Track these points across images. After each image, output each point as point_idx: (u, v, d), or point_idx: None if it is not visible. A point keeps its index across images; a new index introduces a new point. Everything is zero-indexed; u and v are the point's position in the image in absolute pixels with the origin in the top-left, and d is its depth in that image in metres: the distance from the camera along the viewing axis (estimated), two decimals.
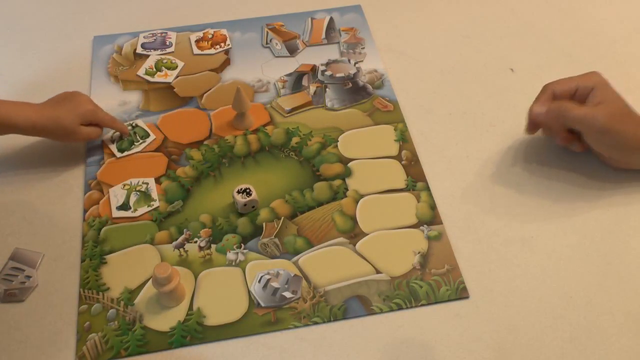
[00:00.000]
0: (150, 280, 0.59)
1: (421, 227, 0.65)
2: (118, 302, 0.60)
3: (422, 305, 0.60)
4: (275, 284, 0.61)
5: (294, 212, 0.67)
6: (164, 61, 0.83)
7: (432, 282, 0.61)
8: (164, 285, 0.58)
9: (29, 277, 0.62)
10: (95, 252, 0.64)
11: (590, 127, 0.63)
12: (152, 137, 0.74)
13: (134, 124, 0.75)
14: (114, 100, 0.78)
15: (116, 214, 0.67)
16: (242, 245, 0.65)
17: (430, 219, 0.66)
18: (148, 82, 0.80)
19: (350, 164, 0.71)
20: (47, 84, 0.80)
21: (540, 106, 0.66)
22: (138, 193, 0.69)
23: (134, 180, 0.70)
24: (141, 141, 0.74)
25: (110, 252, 0.64)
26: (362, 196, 0.68)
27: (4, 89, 0.80)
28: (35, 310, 0.60)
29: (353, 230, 0.66)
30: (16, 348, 0.58)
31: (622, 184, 0.68)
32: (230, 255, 0.64)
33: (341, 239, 0.65)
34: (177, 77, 0.81)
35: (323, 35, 0.86)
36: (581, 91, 0.65)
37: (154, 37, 0.86)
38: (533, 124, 0.68)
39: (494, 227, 0.65)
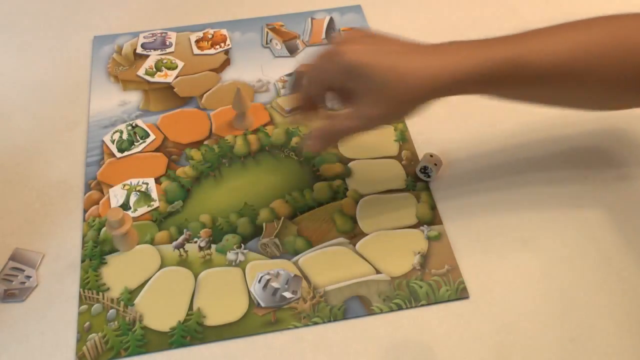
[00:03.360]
0: (121, 243, 0.64)
1: (421, 227, 0.65)
2: (118, 302, 0.60)
3: (422, 305, 0.60)
4: (275, 284, 0.61)
5: (294, 212, 0.67)
6: (164, 61, 0.83)
7: (432, 282, 0.61)
8: (116, 228, 0.61)
9: (29, 277, 0.62)
10: (95, 252, 0.64)
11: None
12: (152, 137, 0.74)
13: (134, 124, 0.75)
14: (114, 100, 0.78)
15: None
16: (242, 245, 0.65)
17: (430, 219, 0.66)
18: (148, 82, 0.80)
19: (350, 164, 0.71)
20: (47, 84, 0.80)
21: (313, 141, 0.60)
22: (138, 193, 0.69)
23: (134, 181, 0.70)
24: (141, 141, 0.74)
25: (110, 252, 0.64)
26: (362, 196, 0.68)
27: (4, 88, 0.80)
28: (35, 310, 0.60)
29: (353, 230, 0.66)
30: (16, 348, 0.58)
31: (623, 183, 0.68)
32: (230, 256, 0.64)
33: (341, 239, 0.65)
34: (177, 77, 0.81)
35: (323, 35, 0.86)
36: (333, 85, 0.59)
37: (154, 37, 0.86)
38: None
39: (494, 227, 0.65)
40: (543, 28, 0.58)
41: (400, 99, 0.55)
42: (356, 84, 0.55)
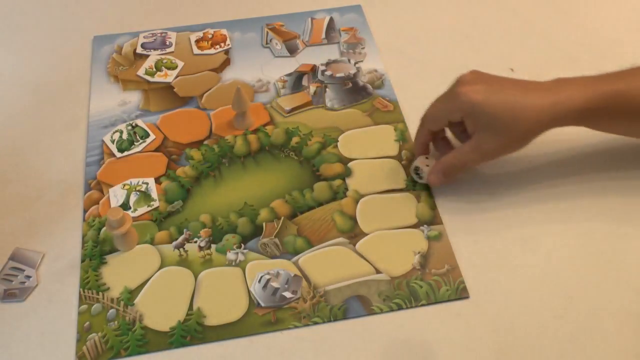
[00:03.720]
0: (118, 237, 0.64)
1: (421, 227, 0.65)
2: (118, 302, 0.60)
3: (422, 305, 0.60)
4: (275, 284, 0.61)
5: (294, 212, 0.67)
6: (164, 61, 0.83)
7: (432, 282, 0.61)
8: (116, 228, 0.61)
9: (29, 277, 0.62)
10: (95, 252, 0.64)
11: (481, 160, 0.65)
12: (152, 137, 0.74)
13: (134, 124, 0.75)
14: (114, 100, 0.78)
15: None
16: (242, 245, 0.65)
17: (430, 219, 0.66)
18: (148, 82, 0.80)
19: (350, 164, 0.71)
20: (47, 84, 0.80)
21: (433, 175, 0.66)
22: (138, 193, 0.69)
23: (134, 180, 0.70)
24: (141, 141, 0.74)
25: (110, 252, 0.64)
26: (362, 196, 0.68)
27: (4, 88, 0.80)
28: (35, 310, 0.60)
29: (353, 230, 0.66)
30: (16, 348, 0.58)
31: (624, 183, 0.68)
32: (230, 255, 0.64)
33: (341, 239, 0.65)
34: (177, 77, 0.81)
35: (323, 35, 0.86)
36: (455, 121, 0.64)
37: (154, 37, 0.86)
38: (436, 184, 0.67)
39: (494, 227, 0.65)
40: None
41: (518, 133, 0.62)
42: (476, 121, 0.62)
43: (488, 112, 0.60)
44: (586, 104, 0.60)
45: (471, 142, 0.63)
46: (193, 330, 0.59)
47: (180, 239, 0.65)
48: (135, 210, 0.67)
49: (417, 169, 0.68)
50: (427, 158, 0.68)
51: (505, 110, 0.60)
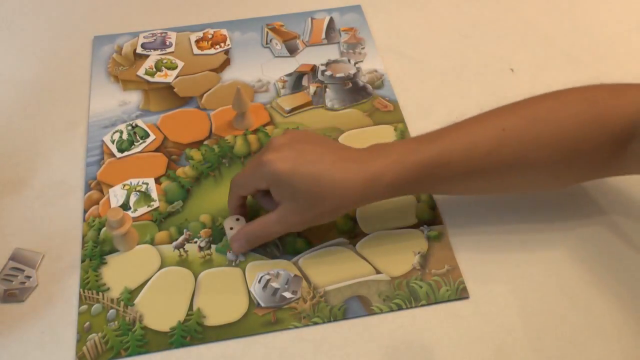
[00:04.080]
0: (118, 238, 0.63)
1: (421, 227, 0.65)
2: (118, 302, 0.60)
3: (422, 305, 0.60)
4: (275, 284, 0.61)
5: None
6: (164, 61, 0.83)
7: (432, 282, 0.61)
8: (116, 228, 0.61)
9: (29, 277, 0.62)
10: (95, 252, 0.64)
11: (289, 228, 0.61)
12: (152, 137, 0.74)
13: (134, 124, 0.75)
14: (114, 100, 0.78)
15: None
16: None
17: (430, 219, 0.66)
18: (148, 82, 0.80)
19: None
20: (47, 84, 0.80)
21: (236, 242, 0.62)
22: (138, 193, 0.69)
23: (134, 181, 0.70)
24: (141, 141, 0.74)
25: (110, 252, 0.64)
26: None
27: (4, 88, 0.80)
28: (35, 310, 0.60)
29: (353, 230, 0.66)
30: (16, 348, 0.58)
31: (624, 184, 0.68)
32: (230, 256, 0.64)
33: (341, 239, 0.65)
34: (177, 77, 0.81)
35: (323, 35, 0.86)
36: (260, 189, 0.60)
37: (154, 37, 0.86)
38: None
39: (494, 227, 0.65)
40: (466, 120, 0.60)
41: (324, 209, 0.58)
42: (281, 191, 0.57)
43: (293, 185, 0.56)
44: (397, 179, 0.56)
45: (277, 213, 0.59)
46: (193, 331, 0.59)
47: (180, 239, 0.65)
48: (135, 210, 0.67)
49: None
50: (237, 220, 0.64)
51: (312, 186, 0.56)
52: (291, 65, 0.82)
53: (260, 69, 0.82)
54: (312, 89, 0.79)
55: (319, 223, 0.61)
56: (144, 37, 0.86)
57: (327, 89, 0.79)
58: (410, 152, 0.57)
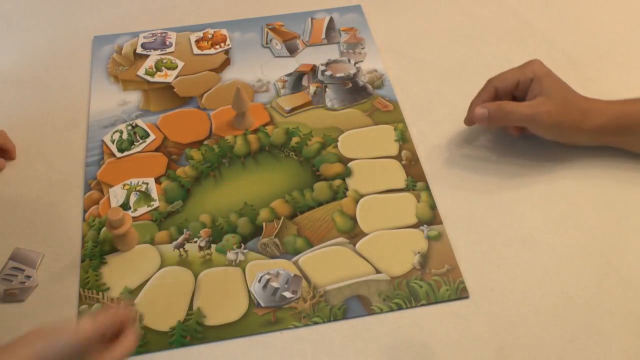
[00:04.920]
0: (119, 242, 0.63)
1: (421, 227, 0.65)
2: (118, 302, 0.60)
3: (422, 305, 0.60)
4: (275, 284, 0.61)
5: (294, 212, 0.67)
6: (164, 61, 0.83)
7: (432, 282, 0.61)
8: (116, 228, 0.61)
9: (29, 277, 0.62)
10: (95, 252, 0.64)
11: (533, 126, 0.67)
12: (152, 137, 0.74)
13: (134, 124, 0.75)
14: (113, 100, 0.78)
15: None
16: (242, 245, 0.65)
17: (430, 219, 0.66)
18: (148, 82, 0.80)
19: (350, 164, 0.71)
20: (47, 84, 0.80)
21: (482, 108, 0.67)
22: (138, 193, 0.69)
23: (134, 180, 0.70)
24: (141, 141, 0.74)
25: (110, 252, 0.64)
26: (362, 196, 0.68)
27: (4, 88, 0.80)
28: (35, 310, 0.60)
29: (353, 230, 0.66)
30: None
31: (624, 184, 0.68)
32: (230, 255, 0.64)
33: (341, 239, 0.65)
34: (177, 77, 0.81)
35: (323, 35, 0.86)
36: (522, 85, 0.67)
37: (154, 37, 0.86)
38: (474, 121, 0.69)
39: (494, 227, 0.65)
40: None
41: (570, 115, 0.65)
42: (541, 84, 0.66)
43: (554, 82, 0.66)
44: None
45: (529, 102, 0.66)
46: (193, 330, 0.59)
47: (180, 239, 0.65)
48: (135, 210, 0.67)
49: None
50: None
51: (566, 92, 0.66)
52: (291, 65, 0.82)
53: (260, 69, 0.82)
54: (312, 88, 0.79)
55: (559, 127, 0.66)
56: (144, 37, 0.86)
57: (327, 89, 0.79)
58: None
